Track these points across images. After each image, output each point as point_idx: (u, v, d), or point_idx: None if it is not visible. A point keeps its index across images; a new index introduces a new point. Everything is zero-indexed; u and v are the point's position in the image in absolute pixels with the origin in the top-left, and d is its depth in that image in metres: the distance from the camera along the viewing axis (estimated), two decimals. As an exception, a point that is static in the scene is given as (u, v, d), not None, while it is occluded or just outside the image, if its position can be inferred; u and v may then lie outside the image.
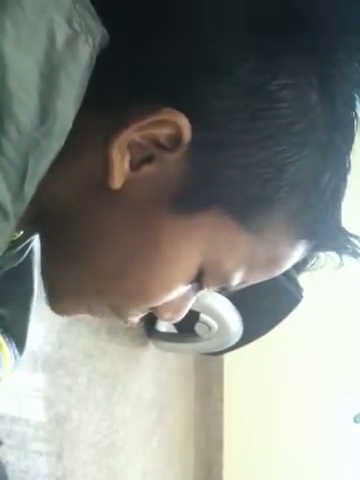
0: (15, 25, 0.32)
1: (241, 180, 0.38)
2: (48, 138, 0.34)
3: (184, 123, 0.36)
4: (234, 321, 1.42)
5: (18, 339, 0.54)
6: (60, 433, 1.29)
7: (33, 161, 0.34)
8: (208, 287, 0.43)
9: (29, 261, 0.50)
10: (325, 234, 0.42)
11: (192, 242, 0.39)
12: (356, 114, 0.40)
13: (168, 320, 0.45)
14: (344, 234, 0.43)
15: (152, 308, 0.43)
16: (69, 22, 0.34)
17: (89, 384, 1.39)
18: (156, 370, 1.70)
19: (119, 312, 0.43)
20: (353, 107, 0.40)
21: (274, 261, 0.42)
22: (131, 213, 0.39)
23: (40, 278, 0.44)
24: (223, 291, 0.45)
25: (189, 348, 1.62)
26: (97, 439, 1.43)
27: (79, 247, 0.40)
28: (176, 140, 0.37)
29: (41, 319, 1.15)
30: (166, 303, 0.43)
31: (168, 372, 1.76)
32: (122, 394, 1.53)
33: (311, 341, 1.90)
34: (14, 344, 0.53)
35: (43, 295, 0.48)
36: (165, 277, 0.40)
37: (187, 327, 1.50)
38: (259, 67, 0.37)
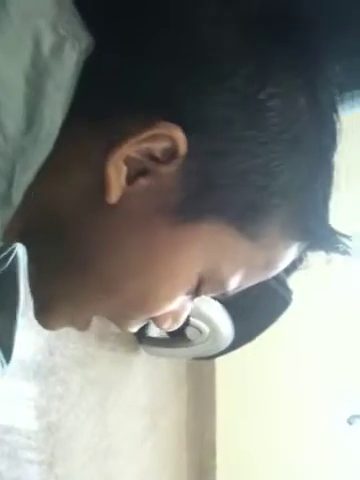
0: (0, 32, 0.32)
1: (236, 188, 0.38)
2: (35, 144, 0.34)
3: (179, 136, 0.36)
4: (225, 325, 1.42)
5: (5, 347, 0.54)
6: (52, 441, 1.28)
7: (20, 168, 0.34)
8: (205, 294, 0.43)
9: (14, 269, 0.50)
10: (318, 234, 0.43)
11: (192, 252, 0.40)
12: (340, 117, 0.41)
13: (167, 329, 0.45)
14: (334, 233, 0.44)
15: (151, 318, 0.43)
16: (55, 28, 0.34)
17: (81, 391, 1.38)
18: (148, 376, 1.70)
19: (119, 322, 0.43)
20: (338, 111, 0.41)
21: (270, 264, 0.43)
22: (129, 225, 0.39)
23: (27, 289, 0.44)
24: (220, 296, 0.45)
25: (180, 353, 1.62)
26: (90, 446, 1.42)
27: (76, 261, 0.39)
28: (171, 153, 0.37)
29: (31, 327, 1.15)
30: (165, 312, 0.43)
31: (160, 377, 1.76)
32: (114, 401, 1.52)
33: (304, 344, 1.91)
34: (1, 352, 0.53)
35: (30, 304, 0.48)
36: (166, 288, 0.40)
37: (178, 332, 1.50)
38: (251, 75, 0.37)
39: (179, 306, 0.44)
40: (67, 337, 1.32)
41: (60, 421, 1.30)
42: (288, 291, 1.36)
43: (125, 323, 0.43)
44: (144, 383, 1.68)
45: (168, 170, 0.37)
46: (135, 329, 0.44)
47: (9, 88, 0.33)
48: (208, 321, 1.41)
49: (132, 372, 1.64)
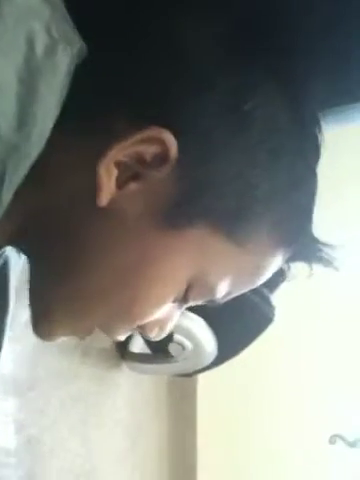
0: None
1: (222, 194, 0.39)
2: (27, 144, 0.34)
3: (170, 140, 0.37)
4: (208, 341, 1.42)
5: None
6: (31, 458, 1.26)
7: (11, 167, 0.34)
8: (194, 300, 0.44)
9: (4, 275, 0.49)
10: (300, 243, 0.44)
11: (180, 257, 0.40)
12: (322, 131, 0.42)
13: (153, 338, 0.45)
14: (317, 243, 0.45)
15: (139, 325, 0.43)
16: (48, 31, 0.35)
17: (62, 407, 1.36)
18: (129, 392, 1.68)
19: (107, 330, 0.43)
20: (320, 124, 0.42)
21: (258, 270, 0.43)
22: (119, 229, 0.39)
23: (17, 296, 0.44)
24: (209, 303, 0.45)
25: (163, 369, 1.61)
26: (70, 463, 1.40)
27: (69, 265, 0.40)
28: (162, 157, 0.37)
29: (13, 340, 1.13)
30: (152, 320, 0.42)
31: (141, 394, 1.75)
32: (95, 417, 1.50)
33: (286, 362, 1.91)
34: None
35: (15, 316, 0.47)
36: (155, 293, 0.41)
37: (161, 348, 1.49)
38: (234, 89, 0.38)
39: (166, 314, 0.44)
40: (50, 352, 1.31)
41: (40, 437, 1.28)
42: (271, 308, 1.37)
43: (113, 330, 0.43)
44: (125, 399, 1.66)
45: (159, 175, 0.38)
46: (123, 337, 0.44)
47: (2, 87, 0.33)
48: (191, 337, 1.41)
49: (113, 388, 1.63)
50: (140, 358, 1.60)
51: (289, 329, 1.75)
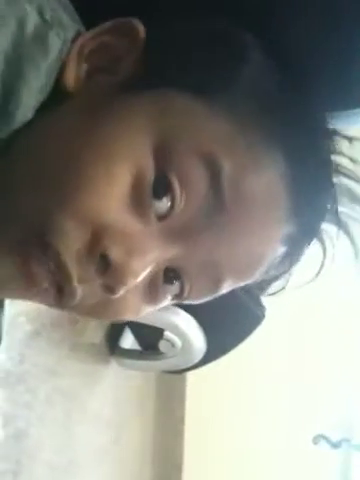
0: None
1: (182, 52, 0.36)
2: (6, 127, 0.33)
3: (137, 22, 0.36)
4: (198, 339, 1.42)
5: None
6: (17, 451, 1.26)
7: None
8: (169, 173, 0.34)
9: None
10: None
11: (135, 121, 0.35)
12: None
13: (120, 264, 0.34)
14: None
15: (97, 234, 0.34)
16: (41, 13, 0.34)
17: (48, 401, 1.36)
18: (117, 388, 1.68)
19: (55, 230, 0.33)
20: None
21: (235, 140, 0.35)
22: (80, 112, 0.36)
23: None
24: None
25: (152, 366, 1.61)
26: (55, 457, 1.40)
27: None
28: (130, 39, 0.36)
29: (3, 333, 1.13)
30: (115, 230, 0.34)
31: (129, 390, 1.74)
32: (81, 412, 1.50)
33: (273, 361, 1.91)
34: None
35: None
36: (104, 165, 0.33)
37: (151, 344, 1.49)
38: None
39: (135, 236, 0.35)
40: (38, 346, 1.30)
41: (27, 430, 1.28)
42: (261, 307, 1.37)
43: (61, 230, 0.34)
44: (112, 395, 1.66)
45: (128, 59, 0.37)
46: (75, 244, 0.34)
47: None
48: (181, 334, 1.41)
49: (101, 384, 1.63)
50: (129, 354, 1.60)
51: (276, 329, 1.76)
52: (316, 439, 2.03)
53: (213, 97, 0.35)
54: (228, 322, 1.36)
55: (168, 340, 1.44)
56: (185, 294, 0.39)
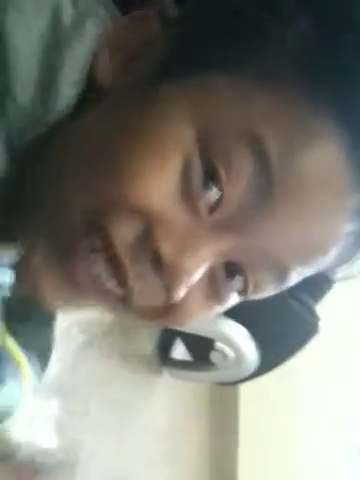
0: (19, 6, 0.31)
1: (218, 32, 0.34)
2: (47, 117, 0.33)
3: (169, 6, 0.35)
4: (250, 351, 1.40)
5: (41, 351, 0.51)
6: (71, 460, 1.27)
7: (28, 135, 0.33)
8: (216, 158, 0.33)
9: None
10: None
11: (177, 110, 0.33)
12: None
13: (172, 262, 0.33)
14: None
15: (150, 226, 0.33)
16: (74, 4, 0.34)
17: (101, 411, 1.37)
18: (169, 399, 1.67)
19: (107, 223, 0.33)
20: None
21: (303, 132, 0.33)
22: (119, 106, 0.35)
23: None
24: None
25: (204, 377, 1.60)
26: (109, 467, 1.40)
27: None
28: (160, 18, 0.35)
29: (56, 344, 1.15)
30: (167, 223, 0.32)
31: (181, 401, 1.74)
32: (134, 422, 1.50)
33: (328, 372, 1.86)
34: (37, 360, 0.50)
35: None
36: (151, 150, 0.32)
37: (202, 355, 1.48)
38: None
39: (189, 225, 0.33)
40: (91, 355, 1.32)
41: (81, 439, 1.29)
42: (315, 318, 1.34)
43: (109, 223, 0.33)
44: (165, 406, 1.65)
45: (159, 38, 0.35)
46: (127, 233, 0.33)
47: (24, 58, 0.32)
48: (233, 345, 1.39)
49: (153, 394, 1.62)
50: (181, 365, 1.59)
51: (331, 338, 1.71)
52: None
53: (251, 73, 0.34)
54: (281, 333, 1.33)
55: (219, 351, 1.43)
56: (250, 289, 0.37)
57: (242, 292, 0.37)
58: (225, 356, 1.43)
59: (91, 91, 0.35)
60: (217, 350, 1.43)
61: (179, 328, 0.38)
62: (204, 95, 0.33)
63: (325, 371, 1.85)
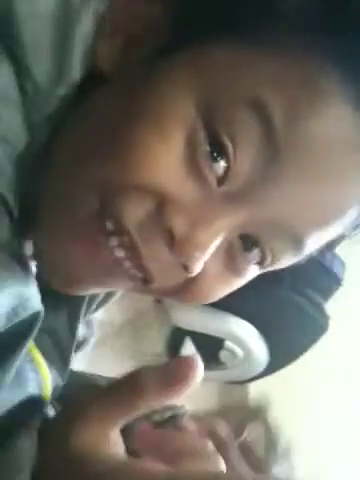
0: None
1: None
2: (62, 92, 0.34)
3: None
4: (260, 349, 1.40)
5: (63, 350, 0.49)
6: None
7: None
8: (219, 128, 0.32)
9: None
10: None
11: (178, 83, 0.33)
12: None
13: (185, 238, 0.32)
14: None
15: (159, 203, 0.32)
16: None
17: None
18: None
19: (116, 202, 0.33)
20: None
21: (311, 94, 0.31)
22: (120, 87, 0.35)
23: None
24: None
25: (213, 376, 1.60)
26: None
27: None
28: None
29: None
30: (177, 198, 0.32)
31: (190, 400, 1.74)
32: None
33: (339, 371, 1.86)
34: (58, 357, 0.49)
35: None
36: (155, 127, 0.32)
37: (212, 354, 1.49)
38: None
39: (200, 200, 0.32)
40: (104, 355, 1.33)
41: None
42: (325, 317, 1.34)
43: (121, 196, 0.33)
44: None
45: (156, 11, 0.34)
46: (138, 213, 0.33)
47: (37, 36, 0.32)
48: (242, 344, 1.39)
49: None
50: (191, 364, 1.60)
51: (341, 338, 1.71)
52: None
53: (249, 39, 0.32)
54: (291, 331, 1.34)
55: (229, 350, 1.43)
56: (268, 260, 0.36)
57: (260, 263, 0.37)
58: (234, 355, 1.44)
59: (93, 76, 0.35)
60: (226, 349, 1.43)
61: (202, 302, 0.37)
62: (202, 66, 0.33)
63: (336, 371, 1.85)
